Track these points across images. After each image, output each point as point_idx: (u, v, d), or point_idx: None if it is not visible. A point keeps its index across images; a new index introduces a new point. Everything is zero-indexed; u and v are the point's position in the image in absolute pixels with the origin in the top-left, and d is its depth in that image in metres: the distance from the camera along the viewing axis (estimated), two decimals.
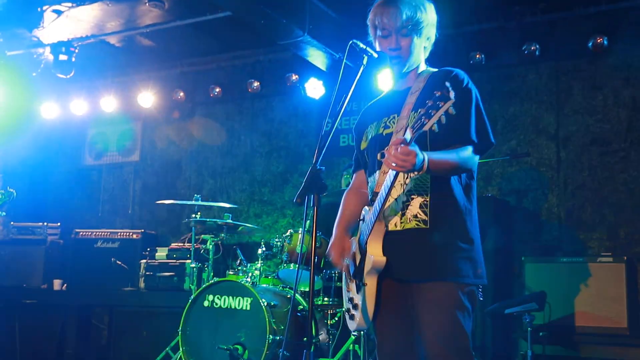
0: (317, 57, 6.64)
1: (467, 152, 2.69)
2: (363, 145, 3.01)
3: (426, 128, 2.40)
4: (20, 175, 8.02)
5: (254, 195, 7.93)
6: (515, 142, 6.65)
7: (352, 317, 2.85)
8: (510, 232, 6.44)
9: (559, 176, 6.47)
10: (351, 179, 3.22)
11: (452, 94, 2.34)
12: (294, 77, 7.41)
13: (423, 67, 2.96)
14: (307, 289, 5.65)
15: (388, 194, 2.66)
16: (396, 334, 2.80)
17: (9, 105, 7.76)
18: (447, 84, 2.37)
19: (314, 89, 7.24)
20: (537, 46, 6.37)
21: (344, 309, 2.99)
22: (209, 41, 7.36)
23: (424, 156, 2.52)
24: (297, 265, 5.47)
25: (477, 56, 6.57)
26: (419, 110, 2.45)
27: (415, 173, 2.64)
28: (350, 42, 2.74)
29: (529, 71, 6.71)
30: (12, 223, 7.65)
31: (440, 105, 2.36)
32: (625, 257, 5.59)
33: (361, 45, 2.77)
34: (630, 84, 6.30)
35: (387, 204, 2.71)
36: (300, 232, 5.65)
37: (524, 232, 6.51)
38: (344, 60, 2.75)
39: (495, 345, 5.72)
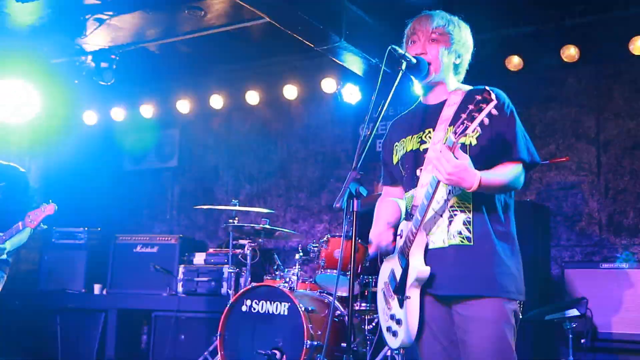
0: (353, 62, 6.63)
1: (516, 171, 2.69)
2: (395, 159, 2.99)
3: (469, 131, 2.40)
4: (62, 181, 8.14)
5: (291, 200, 7.96)
6: (554, 146, 6.58)
7: (394, 333, 2.82)
8: (549, 237, 6.36)
9: (600, 181, 6.38)
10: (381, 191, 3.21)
11: (493, 96, 2.34)
12: (331, 82, 7.42)
13: (455, 84, 2.93)
14: (344, 294, 5.65)
15: (429, 204, 2.64)
16: (439, 354, 2.77)
17: (52, 112, 7.90)
18: (488, 88, 2.37)
19: (351, 94, 7.25)
20: (576, 49, 6.29)
21: (382, 326, 2.94)
22: (246, 47, 7.40)
23: (478, 176, 2.52)
24: (334, 271, 5.48)
25: (515, 60, 6.51)
26: (461, 115, 2.44)
27: (460, 189, 2.63)
28: (389, 47, 2.74)
29: (568, 75, 6.63)
30: (54, 228, 7.78)
31: (482, 107, 2.35)
32: None
33: (400, 50, 2.77)
34: None
35: (428, 215, 2.69)
36: (337, 236, 5.66)
37: (564, 238, 6.42)
38: (382, 67, 2.75)
39: (536, 352, 5.65)
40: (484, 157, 2.67)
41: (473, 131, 2.41)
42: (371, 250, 2.91)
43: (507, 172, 2.66)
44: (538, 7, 6.36)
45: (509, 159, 2.67)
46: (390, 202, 3.07)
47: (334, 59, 6.56)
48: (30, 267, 7.82)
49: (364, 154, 2.69)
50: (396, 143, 2.99)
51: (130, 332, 7.66)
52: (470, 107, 2.38)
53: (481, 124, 2.40)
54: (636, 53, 6.09)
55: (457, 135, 2.43)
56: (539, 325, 5.47)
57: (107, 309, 7.43)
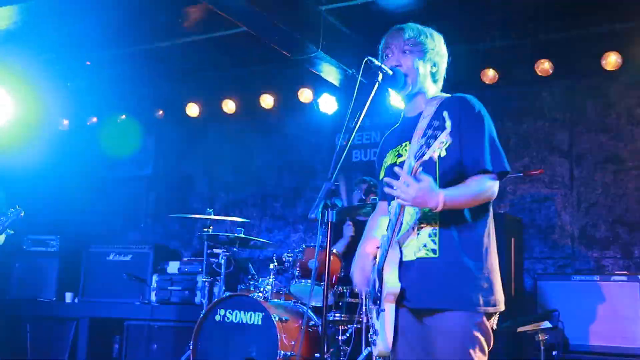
0: (330, 72, 6.66)
1: (485, 182, 2.67)
2: (381, 175, 3.00)
3: (425, 158, 2.42)
4: (35, 188, 8.05)
5: (266, 209, 7.94)
6: (528, 159, 6.65)
7: (374, 342, 2.84)
8: (522, 249, 6.41)
9: (572, 194, 6.46)
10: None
11: (448, 123, 2.36)
12: (307, 92, 7.43)
13: (433, 91, 2.94)
14: (319, 305, 5.64)
15: (397, 220, 2.66)
16: (415, 358, 2.76)
17: (26, 117, 7.82)
18: (445, 113, 2.39)
19: (327, 104, 7.26)
20: (550, 63, 6.37)
21: (369, 333, 2.98)
22: (223, 56, 7.40)
23: (442, 196, 2.53)
24: (308, 281, 5.47)
25: (490, 73, 6.58)
26: (426, 132, 2.46)
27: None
28: (366, 59, 2.75)
29: (542, 89, 6.71)
30: (26, 236, 7.69)
31: (437, 135, 2.37)
32: (639, 276, 5.54)
33: (376, 62, 2.78)
34: None
35: (401, 232, 2.71)
36: (312, 246, 5.65)
37: (537, 250, 6.49)
38: (359, 77, 2.76)
39: None
40: (456, 167, 2.68)
41: (429, 157, 2.43)
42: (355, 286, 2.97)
43: (475, 186, 2.65)
44: (514, 21, 6.44)
45: (477, 170, 2.67)
46: (377, 222, 3.08)
47: (311, 69, 6.58)
48: (0, 274, 7.70)
49: (339, 165, 2.69)
50: (384, 159, 3.01)
51: (102, 341, 7.56)
52: (429, 132, 2.41)
53: (451, 132, 2.41)
54: (609, 68, 6.18)
55: (417, 160, 2.46)
56: (512, 337, 5.50)
57: (78, 317, 7.34)
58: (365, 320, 3.01)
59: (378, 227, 3.00)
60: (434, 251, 2.67)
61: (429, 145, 2.40)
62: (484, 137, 2.70)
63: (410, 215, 2.72)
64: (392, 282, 2.69)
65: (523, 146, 6.68)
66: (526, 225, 6.51)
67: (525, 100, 6.79)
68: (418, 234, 2.71)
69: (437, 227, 2.68)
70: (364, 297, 3.01)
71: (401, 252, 2.73)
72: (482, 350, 2.64)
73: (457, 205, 2.62)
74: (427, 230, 2.69)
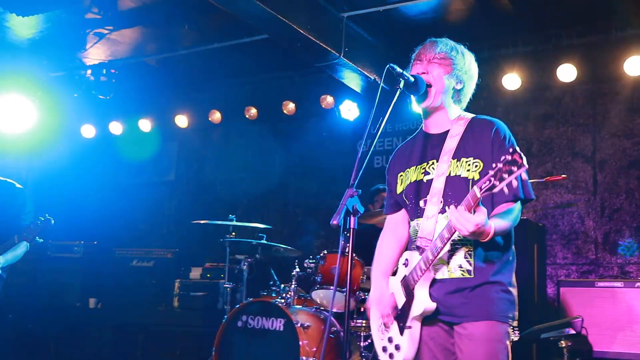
0: (352, 79, 6.68)
1: (517, 209, 2.77)
2: (399, 189, 3.02)
3: (495, 190, 2.44)
4: (59, 194, 8.15)
5: (288, 215, 7.96)
6: (550, 164, 6.60)
7: (391, 355, 2.90)
8: (545, 255, 6.37)
9: (596, 199, 6.40)
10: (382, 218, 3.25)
11: (525, 161, 2.38)
12: (329, 99, 7.45)
13: (456, 112, 2.96)
14: (340, 311, 5.63)
15: (442, 246, 2.69)
16: None
17: (50, 125, 7.92)
18: (515, 148, 2.41)
19: (349, 110, 7.28)
20: (573, 68, 6.33)
21: (377, 345, 3.01)
22: (246, 63, 7.45)
23: (493, 228, 2.59)
24: (330, 287, 5.47)
25: (512, 79, 6.55)
26: (488, 170, 2.46)
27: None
28: (388, 66, 2.77)
29: (565, 94, 6.67)
30: (50, 241, 7.77)
31: (513, 171, 2.39)
32: None
33: (398, 69, 2.80)
34: None
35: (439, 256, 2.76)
36: (334, 253, 5.66)
37: (560, 256, 6.44)
38: (381, 84, 2.78)
39: None
40: (489, 196, 2.71)
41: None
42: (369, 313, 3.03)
43: (511, 214, 2.74)
44: (536, 27, 6.41)
45: (509, 198, 2.71)
46: (390, 239, 3.14)
47: (333, 76, 6.60)
48: (25, 280, 7.79)
49: (361, 171, 2.70)
50: (401, 173, 3.03)
51: (125, 346, 7.60)
52: (500, 165, 2.42)
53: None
54: (632, 73, 6.13)
55: (482, 191, 2.48)
56: (535, 343, 5.47)
57: (102, 322, 7.39)
58: (377, 335, 3.02)
59: (392, 248, 3.09)
60: (469, 272, 2.76)
61: (501, 180, 2.41)
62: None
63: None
64: (427, 303, 2.76)
65: (546, 152, 6.64)
66: (549, 231, 6.47)
67: (548, 106, 6.75)
68: (453, 255, 2.78)
69: (472, 248, 2.77)
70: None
71: (434, 273, 2.80)
72: (508, 356, 2.75)
73: (498, 234, 2.70)
74: (462, 251, 2.77)
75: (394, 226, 3.14)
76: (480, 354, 2.70)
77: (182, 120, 8.35)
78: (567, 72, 6.35)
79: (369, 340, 5.48)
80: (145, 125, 8.49)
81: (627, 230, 6.23)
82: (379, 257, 3.13)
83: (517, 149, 2.41)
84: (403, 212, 3.07)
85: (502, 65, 6.62)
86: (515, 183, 2.41)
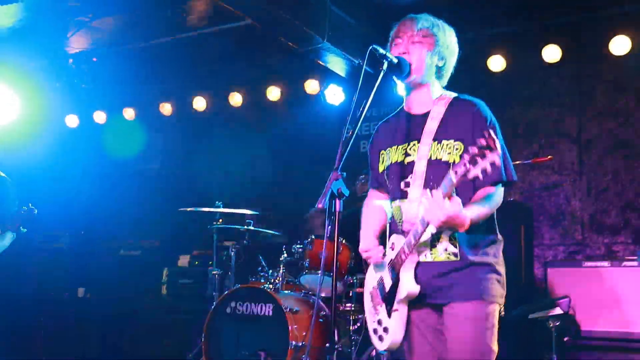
0: (336, 63, 6.65)
1: (498, 193, 2.75)
2: (381, 167, 3.01)
3: (470, 176, 2.41)
4: (45, 184, 8.08)
5: (275, 201, 7.94)
6: (536, 145, 6.61)
7: (380, 338, 2.90)
8: (532, 236, 6.39)
9: (582, 180, 6.42)
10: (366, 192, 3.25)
11: (498, 145, 2.36)
12: (314, 83, 7.42)
13: (438, 90, 2.94)
14: (329, 295, 5.64)
15: (422, 231, 2.67)
16: (428, 353, 2.86)
17: (33, 115, 7.84)
18: (490, 132, 2.37)
19: (334, 95, 7.26)
20: (558, 49, 6.32)
21: (369, 327, 3.02)
22: (230, 48, 7.39)
23: (468, 219, 2.57)
24: (318, 271, 5.48)
25: (497, 60, 6.54)
26: (464, 154, 2.43)
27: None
28: (370, 47, 2.74)
29: (550, 74, 6.66)
30: (37, 232, 7.72)
31: (486, 155, 2.37)
32: None
33: (381, 50, 2.77)
34: None
35: (422, 239, 2.75)
36: (322, 237, 5.65)
37: (547, 237, 6.46)
38: (364, 66, 2.74)
39: (519, 351, 5.67)
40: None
41: (472, 176, 2.42)
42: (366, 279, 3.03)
43: (490, 199, 2.72)
44: (520, 7, 6.39)
45: (490, 181, 2.69)
46: (376, 207, 3.12)
47: (317, 60, 6.56)
48: (12, 270, 7.73)
49: (345, 155, 2.68)
50: (382, 151, 3.02)
51: (114, 335, 7.61)
52: (475, 150, 2.38)
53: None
54: (616, 52, 6.13)
55: (457, 176, 2.45)
56: (523, 324, 5.49)
57: (90, 312, 7.38)
58: (369, 318, 3.01)
59: (377, 221, 3.08)
60: (455, 254, 2.76)
61: (475, 164, 2.39)
62: (498, 149, 2.72)
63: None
64: (411, 286, 2.76)
65: (532, 133, 6.64)
66: (536, 212, 6.49)
67: (534, 87, 6.75)
68: (438, 238, 2.77)
69: (457, 232, 2.74)
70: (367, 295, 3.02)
71: (418, 255, 2.79)
72: (495, 336, 2.75)
73: (478, 221, 2.68)
74: (447, 234, 2.76)
75: (378, 200, 3.13)
76: (468, 333, 2.71)
77: (166, 108, 8.30)
78: (552, 53, 6.34)
79: (358, 324, 5.50)
80: (129, 114, 8.43)
81: (613, 210, 6.26)
82: (367, 220, 3.10)
83: (493, 132, 2.36)
84: (385, 193, 3.07)
85: (487, 47, 6.60)
86: (489, 168, 2.37)
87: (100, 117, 8.53)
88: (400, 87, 2.99)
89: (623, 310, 5.42)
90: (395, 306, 2.80)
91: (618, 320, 5.43)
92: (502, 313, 2.85)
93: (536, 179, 6.58)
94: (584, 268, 5.71)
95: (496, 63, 6.56)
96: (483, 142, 2.37)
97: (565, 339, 5.31)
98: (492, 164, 2.43)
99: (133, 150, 8.81)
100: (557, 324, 5.11)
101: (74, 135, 8.67)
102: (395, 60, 2.79)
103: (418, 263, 2.78)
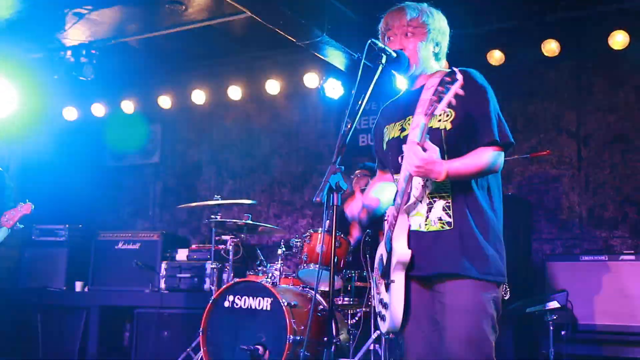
0: (335, 57, 6.64)
1: (490, 154, 2.69)
2: (384, 146, 3.01)
3: (437, 111, 2.43)
4: (43, 178, 8.07)
5: (274, 195, 7.95)
6: (535, 140, 6.61)
7: (383, 317, 2.87)
8: (531, 231, 6.40)
9: (580, 174, 6.43)
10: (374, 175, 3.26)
11: (459, 76, 2.38)
12: (313, 77, 7.41)
13: (436, 68, 2.96)
14: (327, 289, 5.65)
15: (407, 188, 2.68)
16: (421, 342, 2.80)
17: (31, 108, 7.82)
18: (455, 69, 2.40)
19: (333, 89, 7.24)
20: (557, 43, 6.32)
21: (377, 311, 2.98)
22: (228, 42, 7.38)
23: (445, 167, 2.56)
24: (316, 265, 5.48)
25: (496, 55, 6.53)
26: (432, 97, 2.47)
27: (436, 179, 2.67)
28: (369, 41, 2.74)
29: (549, 69, 6.67)
30: (35, 225, 7.72)
31: (449, 88, 2.39)
32: None
33: (380, 44, 2.77)
34: None
35: (410, 201, 2.73)
36: (320, 231, 5.65)
37: (545, 231, 6.47)
38: (363, 60, 2.74)
39: (517, 344, 5.69)
40: (461, 140, 2.71)
41: (441, 112, 2.44)
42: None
43: (479, 157, 2.68)
44: (519, 2, 6.38)
45: (482, 142, 2.69)
46: (380, 183, 3.14)
47: (316, 54, 6.55)
48: (10, 264, 7.74)
49: (344, 148, 2.68)
50: (384, 130, 3.02)
51: (112, 329, 7.62)
52: (440, 88, 2.42)
53: (452, 105, 2.46)
54: (615, 47, 6.13)
55: (426, 116, 2.45)
56: (520, 317, 5.50)
57: (89, 306, 7.37)
58: (374, 301, 2.99)
59: (379, 189, 3.08)
60: (449, 224, 2.71)
61: (440, 99, 2.40)
62: (489, 109, 2.72)
63: (415, 188, 2.74)
64: (401, 250, 2.72)
65: (531, 127, 6.64)
66: (534, 206, 6.50)
67: (533, 81, 6.75)
68: (430, 207, 2.74)
69: (450, 201, 2.72)
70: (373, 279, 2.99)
71: (410, 222, 2.75)
72: (494, 326, 2.69)
73: (462, 177, 2.66)
74: (440, 203, 2.73)
75: (384, 179, 3.14)
76: (463, 326, 2.64)
77: (165, 101, 8.28)
78: (551, 48, 6.33)
79: (357, 318, 5.51)
80: (128, 106, 8.41)
81: (611, 204, 6.27)
82: (370, 189, 3.12)
83: (485, 94, 2.41)
84: (389, 173, 3.06)
85: (486, 41, 6.59)
86: (454, 101, 2.39)
87: (98, 110, 8.50)
88: (402, 80, 3.00)
89: (620, 304, 5.43)
90: (392, 277, 2.75)
91: (615, 314, 5.45)
92: (506, 296, 2.79)
93: (535, 173, 6.59)
94: (582, 262, 5.72)
95: (495, 58, 6.56)
96: (447, 78, 2.41)
97: (563, 332, 5.32)
98: (493, 121, 2.50)
99: (132, 143, 8.80)
100: (555, 318, 5.12)
101: (73, 128, 8.64)
102: (394, 54, 2.79)
103: (410, 230, 2.74)
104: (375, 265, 2.95)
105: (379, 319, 2.93)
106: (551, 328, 5.09)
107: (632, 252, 5.70)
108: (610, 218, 6.25)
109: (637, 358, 5.35)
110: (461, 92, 2.42)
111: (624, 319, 5.40)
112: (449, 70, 2.59)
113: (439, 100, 2.42)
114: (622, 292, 5.46)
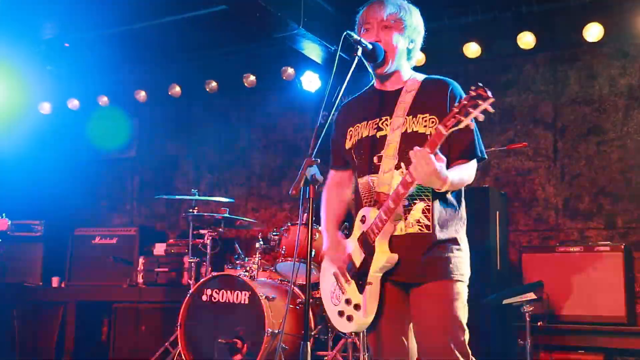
0: (312, 50, 6.62)
1: (473, 167, 2.78)
2: (348, 144, 2.99)
3: (462, 125, 2.41)
4: (18, 172, 7.99)
5: (252, 189, 7.93)
6: (512, 132, 6.65)
7: (349, 318, 2.84)
8: (507, 222, 6.44)
9: (556, 166, 6.48)
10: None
11: (490, 94, 2.37)
12: (290, 70, 7.38)
13: (408, 71, 2.96)
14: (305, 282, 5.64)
15: (406, 192, 2.66)
16: (391, 339, 2.84)
17: (6, 102, 7.73)
18: (480, 84, 2.40)
19: (310, 82, 7.23)
20: (533, 36, 6.35)
21: (332, 312, 2.96)
22: (204, 35, 7.33)
23: (449, 179, 2.58)
24: (294, 258, 5.47)
25: (472, 47, 6.56)
26: (452, 108, 2.44)
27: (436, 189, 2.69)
28: (345, 33, 2.73)
29: (525, 61, 6.70)
30: (10, 221, 7.64)
31: (479, 104, 2.37)
32: (622, 246, 5.59)
33: (355, 36, 2.76)
34: (627, 72, 6.31)
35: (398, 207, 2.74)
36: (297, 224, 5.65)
37: (521, 223, 6.52)
38: (338, 52, 2.73)
39: (494, 335, 5.73)
40: (442, 148, 2.67)
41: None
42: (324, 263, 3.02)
43: (468, 171, 2.75)
44: None
45: (466, 156, 2.74)
46: (337, 194, 3.10)
47: (293, 47, 6.53)
48: None
49: (319, 141, 2.67)
50: (350, 128, 2.99)
51: (90, 324, 7.56)
52: (464, 102, 2.39)
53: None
54: (590, 39, 6.18)
55: (448, 128, 2.44)
56: (497, 309, 5.54)
57: (65, 301, 7.32)
58: (330, 303, 2.98)
59: (340, 201, 3.07)
60: (427, 227, 2.74)
61: (467, 114, 2.39)
62: (474, 124, 2.72)
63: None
64: (388, 254, 2.73)
65: (507, 119, 6.67)
66: (511, 198, 6.54)
67: (509, 74, 6.78)
68: (410, 210, 2.75)
69: (431, 204, 2.75)
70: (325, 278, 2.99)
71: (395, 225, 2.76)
72: (465, 315, 2.76)
73: (454, 188, 2.73)
74: (420, 205, 2.75)
75: (340, 181, 3.12)
76: (439, 313, 2.71)
77: (141, 95, 8.21)
78: (527, 40, 6.37)
79: None
80: (103, 100, 8.33)
81: (587, 196, 6.33)
82: (329, 210, 3.07)
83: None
84: (349, 170, 3.06)
85: (462, 34, 6.62)
86: (481, 117, 2.39)
87: (74, 103, 8.41)
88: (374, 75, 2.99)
89: (595, 295, 5.49)
90: (369, 279, 2.75)
91: (591, 304, 5.50)
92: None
93: (511, 166, 6.62)
94: (558, 253, 5.77)
95: (471, 50, 6.58)
96: (474, 92, 2.39)
97: (539, 323, 5.36)
98: (475, 136, 2.59)
99: (108, 138, 8.71)
100: (531, 309, 5.16)
101: (48, 123, 8.55)
102: (370, 46, 2.79)
103: (391, 236, 2.75)
104: (339, 265, 2.91)
105: (340, 318, 2.89)
106: (527, 319, 5.13)
107: (607, 243, 5.75)
108: (585, 209, 6.31)
109: (612, 348, 5.42)
110: (491, 110, 2.40)
111: (599, 310, 5.46)
112: (434, 78, 2.77)
113: (465, 114, 2.39)
114: (596, 283, 5.51)
